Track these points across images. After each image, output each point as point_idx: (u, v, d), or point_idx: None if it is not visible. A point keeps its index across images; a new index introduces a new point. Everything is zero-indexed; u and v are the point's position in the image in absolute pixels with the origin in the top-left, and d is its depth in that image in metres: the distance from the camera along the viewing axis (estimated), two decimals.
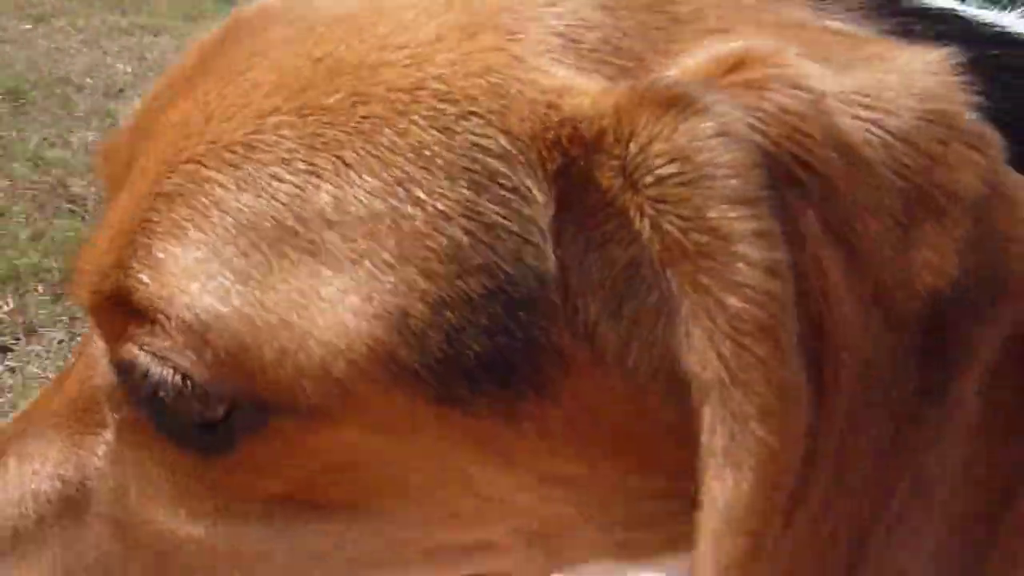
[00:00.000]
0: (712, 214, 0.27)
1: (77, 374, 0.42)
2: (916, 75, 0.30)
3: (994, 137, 0.30)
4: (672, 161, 0.28)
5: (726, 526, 0.29)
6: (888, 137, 0.29)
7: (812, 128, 0.28)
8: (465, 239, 0.31)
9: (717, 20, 0.34)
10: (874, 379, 0.29)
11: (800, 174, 0.28)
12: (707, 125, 0.28)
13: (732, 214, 0.27)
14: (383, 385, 0.33)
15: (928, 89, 0.30)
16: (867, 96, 0.29)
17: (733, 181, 0.27)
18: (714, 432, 0.28)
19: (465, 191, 0.31)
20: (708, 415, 0.28)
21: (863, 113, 0.29)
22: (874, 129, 0.29)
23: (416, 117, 0.32)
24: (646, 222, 0.29)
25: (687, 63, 0.32)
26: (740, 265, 0.27)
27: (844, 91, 0.29)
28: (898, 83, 0.30)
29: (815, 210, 0.28)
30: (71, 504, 0.41)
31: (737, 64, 0.30)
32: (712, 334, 0.28)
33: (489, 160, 0.31)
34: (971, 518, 0.33)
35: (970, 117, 0.30)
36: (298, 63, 0.34)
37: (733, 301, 0.27)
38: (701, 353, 0.28)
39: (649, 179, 0.29)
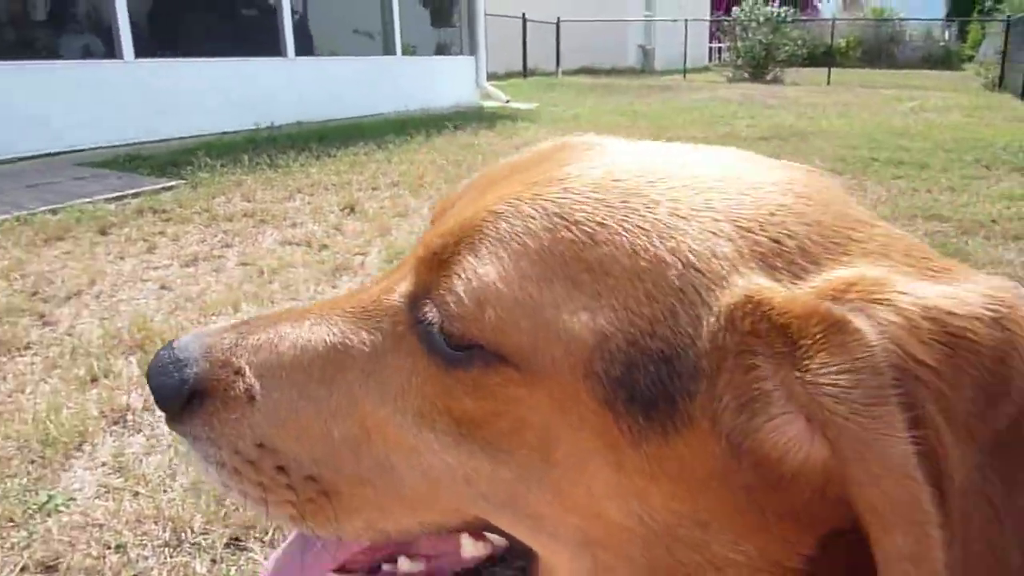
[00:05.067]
0: (866, 402, 0.40)
1: (373, 294, 0.59)
2: (982, 289, 0.44)
3: None
4: (840, 369, 0.41)
5: None
6: (972, 335, 0.41)
7: (921, 335, 0.41)
8: (662, 321, 0.46)
9: (861, 242, 0.48)
10: (973, 489, 0.40)
11: (915, 369, 0.41)
12: (854, 341, 0.41)
13: (873, 403, 0.40)
14: (576, 375, 0.47)
15: (991, 300, 0.43)
16: (954, 305, 0.42)
17: (873, 380, 0.40)
18: (886, 542, 0.41)
19: (674, 301, 0.46)
20: (878, 531, 0.41)
21: (952, 320, 0.42)
22: (962, 331, 0.41)
23: (665, 250, 0.47)
24: (810, 393, 0.42)
25: (835, 279, 0.45)
26: (882, 439, 0.40)
27: (936, 303, 0.42)
28: (974, 296, 0.43)
29: (926, 390, 0.40)
30: (331, 358, 0.58)
31: (868, 286, 0.44)
32: (866, 481, 0.41)
33: (697, 298, 0.46)
34: None
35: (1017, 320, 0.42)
36: (603, 180, 0.51)
37: (877, 455, 0.40)
38: (866, 488, 0.41)
39: (820, 369, 0.42)
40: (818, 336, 0.42)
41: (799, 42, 23.03)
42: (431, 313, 0.52)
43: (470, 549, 0.61)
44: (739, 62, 23.12)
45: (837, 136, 9.32)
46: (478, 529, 0.58)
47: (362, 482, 0.57)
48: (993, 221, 5.21)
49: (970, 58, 29.22)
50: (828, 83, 20.44)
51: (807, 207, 0.50)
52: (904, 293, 0.43)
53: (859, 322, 0.42)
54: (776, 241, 0.47)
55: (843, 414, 0.40)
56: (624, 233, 0.48)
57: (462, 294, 0.50)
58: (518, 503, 0.52)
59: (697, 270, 0.46)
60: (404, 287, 0.57)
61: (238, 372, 0.59)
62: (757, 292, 0.45)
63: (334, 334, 0.58)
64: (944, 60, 30.66)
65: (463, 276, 0.50)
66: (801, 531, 0.47)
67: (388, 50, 11.71)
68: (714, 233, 0.48)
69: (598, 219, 0.49)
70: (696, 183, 0.51)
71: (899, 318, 0.42)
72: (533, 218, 0.50)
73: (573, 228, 0.49)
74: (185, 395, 0.58)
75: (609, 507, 0.49)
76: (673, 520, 0.48)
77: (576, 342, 0.47)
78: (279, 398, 0.58)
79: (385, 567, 0.64)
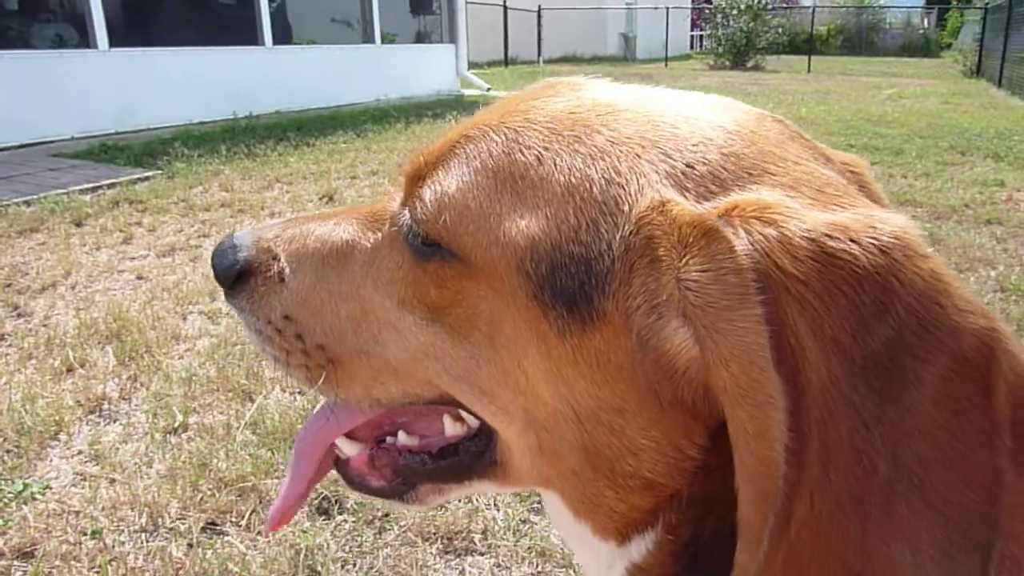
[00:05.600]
0: (723, 299, 0.46)
1: (383, 202, 0.73)
2: (872, 221, 0.47)
3: (918, 254, 0.45)
4: (702, 269, 0.47)
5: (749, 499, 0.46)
6: (848, 256, 0.45)
7: (795, 251, 0.45)
8: (585, 229, 0.53)
9: (775, 175, 0.53)
10: (841, 396, 0.43)
11: (781, 278, 0.45)
12: (719, 245, 0.47)
13: (728, 298, 0.46)
14: (511, 272, 0.56)
15: (877, 231, 0.46)
16: (835, 229, 0.46)
17: (733, 279, 0.46)
18: (733, 418, 0.46)
19: (596, 212, 0.54)
20: (728, 408, 0.47)
21: (829, 242, 0.45)
22: (839, 251, 0.45)
23: (596, 170, 0.55)
24: (680, 289, 0.49)
25: (731, 200, 0.50)
26: (734, 328, 0.45)
27: (816, 226, 0.46)
28: (859, 224, 0.46)
29: (790, 297, 0.44)
30: (343, 252, 0.72)
31: (755, 207, 0.48)
32: (720, 361, 0.46)
33: (615, 208, 0.53)
34: (964, 515, 0.43)
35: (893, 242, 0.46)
36: (560, 113, 0.60)
37: (729, 343, 0.45)
38: (718, 370, 0.46)
39: (687, 269, 0.48)
40: (691, 241, 0.48)
41: (780, 30, 23.19)
42: (404, 216, 0.64)
43: (451, 428, 0.73)
44: (720, 50, 23.24)
45: (815, 123, 9.40)
46: (448, 403, 0.69)
47: (359, 354, 0.70)
48: (966, 206, 5.30)
49: (949, 45, 29.47)
50: (808, 71, 20.59)
51: (731, 141, 0.55)
52: (790, 217, 0.47)
53: (727, 231, 0.47)
54: (690, 166, 0.53)
55: (700, 305, 0.47)
56: (565, 156, 0.56)
57: (427, 201, 0.61)
58: (472, 378, 0.63)
59: (618, 185, 0.53)
60: (400, 197, 0.69)
61: (275, 258, 0.74)
62: (660, 203, 0.51)
63: (348, 232, 0.72)
64: (923, 48, 30.97)
65: (431, 187, 0.61)
66: (693, 421, 0.53)
67: (367, 38, 11.67)
68: (638, 156, 0.54)
69: (546, 144, 0.57)
70: (638, 116, 0.58)
71: (776, 233, 0.46)
72: (495, 141, 0.59)
73: (525, 151, 0.58)
74: (234, 274, 0.75)
75: (543, 390, 0.58)
76: (595, 405, 0.56)
77: (511, 245, 0.56)
78: (302, 280, 0.73)
79: (388, 439, 0.77)
